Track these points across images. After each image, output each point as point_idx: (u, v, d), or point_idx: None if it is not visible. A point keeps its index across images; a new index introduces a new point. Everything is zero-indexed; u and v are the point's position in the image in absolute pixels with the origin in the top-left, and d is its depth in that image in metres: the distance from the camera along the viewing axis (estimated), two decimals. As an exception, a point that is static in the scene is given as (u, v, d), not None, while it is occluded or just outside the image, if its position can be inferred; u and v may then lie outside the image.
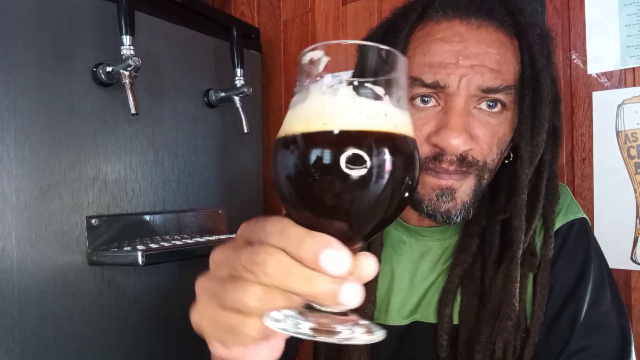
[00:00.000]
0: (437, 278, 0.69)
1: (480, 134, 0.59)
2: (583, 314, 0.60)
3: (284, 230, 0.29)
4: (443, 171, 0.59)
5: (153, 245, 0.92)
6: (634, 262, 1.00)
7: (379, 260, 0.69)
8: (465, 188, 0.60)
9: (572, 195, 0.70)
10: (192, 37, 1.14)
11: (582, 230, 0.66)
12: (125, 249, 0.89)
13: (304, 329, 0.29)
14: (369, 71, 0.30)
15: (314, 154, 0.28)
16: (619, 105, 1.01)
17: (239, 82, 1.17)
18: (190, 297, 0.35)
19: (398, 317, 0.69)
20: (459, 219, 0.61)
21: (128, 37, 0.88)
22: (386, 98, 0.30)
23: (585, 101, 1.05)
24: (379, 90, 0.30)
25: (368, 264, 0.31)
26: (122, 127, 0.96)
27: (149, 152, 1.02)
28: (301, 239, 0.29)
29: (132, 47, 0.88)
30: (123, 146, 0.97)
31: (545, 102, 0.60)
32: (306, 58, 0.31)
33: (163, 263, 0.95)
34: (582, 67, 1.05)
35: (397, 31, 0.62)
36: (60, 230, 0.84)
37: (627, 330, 0.60)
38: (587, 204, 1.04)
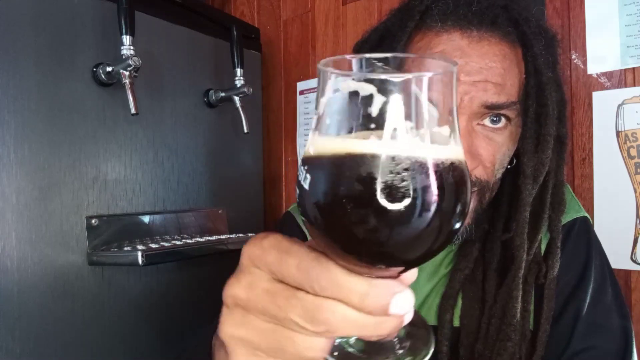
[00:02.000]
0: (438, 282, 0.68)
1: (483, 153, 0.57)
2: (584, 315, 0.60)
3: (339, 284, 0.26)
4: None
5: (153, 245, 0.92)
6: (634, 262, 1.00)
7: None
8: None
9: (573, 194, 0.70)
10: (192, 37, 1.14)
11: (583, 229, 0.66)
12: (125, 249, 0.89)
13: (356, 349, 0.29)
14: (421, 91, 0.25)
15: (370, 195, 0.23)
16: (619, 105, 1.01)
17: (239, 82, 1.17)
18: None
19: None
20: (460, 240, 0.61)
21: (128, 37, 0.88)
22: (438, 121, 0.25)
23: (585, 101, 1.05)
24: (433, 112, 0.25)
25: (412, 276, 0.30)
26: (122, 127, 0.96)
27: (149, 152, 1.02)
28: (365, 293, 0.26)
29: (132, 47, 0.88)
30: (123, 146, 0.97)
31: (551, 119, 0.57)
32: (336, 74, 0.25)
33: (163, 263, 0.95)
34: (582, 67, 1.05)
35: (394, 41, 0.59)
36: (60, 230, 0.84)
37: (629, 331, 0.60)
38: (587, 204, 1.04)
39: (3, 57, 0.78)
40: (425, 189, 0.24)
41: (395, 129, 0.24)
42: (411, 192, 0.23)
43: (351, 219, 0.24)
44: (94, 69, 0.90)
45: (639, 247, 0.99)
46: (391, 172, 0.23)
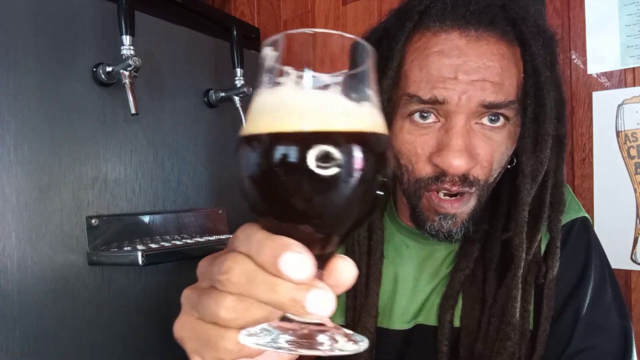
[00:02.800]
0: (439, 282, 0.68)
1: (481, 152, 0.56)
2: (584, 315, 0.60)
3: (249, 236, 0.28)
4: (445, 190, 0.58)
5: (153, 245, 0.92)
6: (634, 262, 1.00)
7: (381, 264, 0.68)
8: (465, 209, 0.59)
9: (573, 194, 0.70)
10: (192, 37, 1.14)
11: (583, 229, 0.66)
12: (125, 249, 0.89)
13: (282, 342, 0.27)
14: (335, 64, 0.28)
15: (280, 154, 0.26)
16: (619, 105, 1.01)
17: (239, 82, 1.17)
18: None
19: (401, 321, 0.69)
20: (459, 236, 0.61)
21: (128, 37, 0.88)
22: (354, 94, 0.28)
23: (585, 101, 1.05)
24: (345, 84, 0.28)
25: (345, 268, 0.29)
26: (122, 127, 0.96)
27: (149, 152, 1.02)
28: (261, 243, 0.27)
29: (132, 47, 0.88)
30: (123, 146, 0.97)
31: (549, 118, 0.57)
32: (267, 51, 0.28)
33: (163, 263, 0.95)
34: (582, 67, 1.05)
35: (392, 41, 0.59)
36: (60, 230, 0.84)
37: (628, 331, 0.60)
38: (587, 204, 1.04)
39: (3, 57, 0.78)
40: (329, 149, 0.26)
41: (308, 100, 0.27)
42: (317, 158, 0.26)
43: (267, 182, 0.27)
44: (94, 69, 0.90)
45: (639, 247, 0.99)
46: (297, 139, 0.26)
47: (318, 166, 0.25)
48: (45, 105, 0.83)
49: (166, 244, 0.94)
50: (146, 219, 1.01)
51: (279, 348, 0.26)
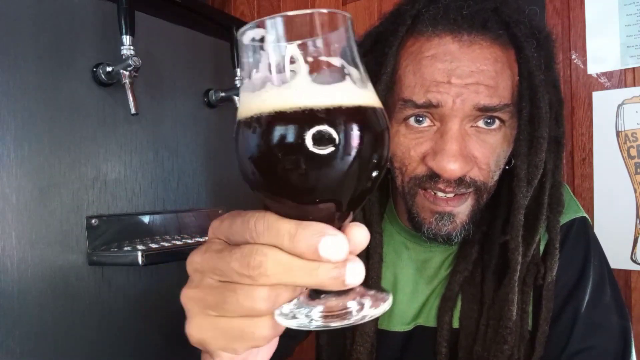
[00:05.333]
0: (438, 285, 0.68)
1: (478, 155, 0.56)
2: (583, 315, 0.60)
3: (272, 227, 0.28)
4: (440, 191, 0.58)
5: (153, 245, 0.92)
6: (634, 262, 1.00)
7: (379, 268, 0.68)
8: (463, 209, 0.59)
9: (571, 194, 0.70)
10: (192, 37, 1.14)
11: (581, 230, 0.66)
12: (125, 249, 0.89)
13: (316, 318, 0.28)
14: (316, 42, 0.28)
15: (279, 138, 0.26)
16: (619, 105, 1.01)
17: (239, 82, 1.17)
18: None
19: (401, 323, 0.69)
20: (459, 239, 0.60)
21: (128, 37, 0.88)
22: (342, 69, 0.28)
23: (585, 101, 1.05)
24: (332, 62, 0.28)
25: (360, 234, 0.30)
26: (122, 127, 0.96)
27: (149, 152, 1.02)
28: (293, 233, 0.27)
29: (132, 47, 0.88)
30: (123, 146, 0.97)
31: (544, 121, 0.57)
32: (247, 37, 0.28)
33: (163, 263, 0.95)
34: (582, 67, 1.05)
35: (386, 46, 0.59)
36: (60, 230, 0.84)
37: (628, 331, 0.60)
38: (587, 204, 1.04)
39: (3, 57, 0.78)
40: (325, 123, 0.27)
41: (299, 79, 0.27)
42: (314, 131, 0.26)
43: (271, 162, 0.27)
44: (94, 69, 0.90)
45: (639, 247, 0.99)
46: (294, 118, 0.26)
47: (316, 147, 0.26)
48: (45, 105, 0.83)
49: (166, 244, 0.94)
50: (146, 219, 1.01)
51: (316, 326, 0.27)
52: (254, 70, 0.29)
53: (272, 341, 0.35)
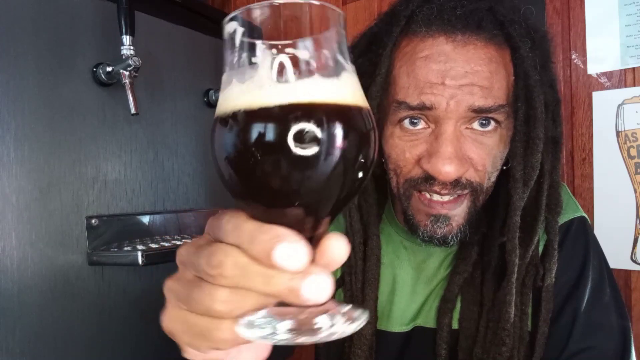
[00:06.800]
0: (437, 285, 0.68)
1: (474, 156, 0.56)
2: (582, 315, 0.60)
3: (237, 227, 0.27)
4: (436, 193, 0.57)
5: (153, 245, 0.92)
6: (634, 262, 1.00)
7: (377, 270, 0.67)
8: (459, 212, 0.58)
9: (570, 194, 0.70)
10: (192, 37, 1.14)
11: (580, 229, 0.65)
12: (125, 249, 0.89)
13: (281, 333, 0.26)
14: (301, 35, 0.26)
15: (260, 132, 0.25)
16: (619, 105, 1.01)
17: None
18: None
19: (400, 323, 0.68)
20: (455, 242, 0.60)
21: (128, 37, 0.88)
22: (326, 64, 0.27)
23: (585, 101, 1.05)
24: (316, 56, 0.26)
25: (337, 247, 0.28)
26: (122, 127, 0.96)
27: (149, 152, 1.02)
28: (252, 235, 0.26)
29: (132, 47, 0.88)
30: (123, 146, 0.97)
31: (540, 122, 0.56)
32: (230, 28, 0.27)
33: (163, 263, 0.95)
34: (582, 67, 1.05)
35: (380, 47, 0.58)
36: (60, 230, 0.84)
37: (627, 331, 0.60)
38: (587, 204, 1.04)
39: (3, 57, 0.78)
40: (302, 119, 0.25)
41: (280, 76, 0.26)
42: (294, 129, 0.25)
43: (242, 163, 0.26)
44: (94, 69, 0.90)
45: (639, 247, 0.99)
46: (272, 117, 0.25)
47: (298, 147, 0.25)
48: (45, 105, 0.83)
49: (166, 244, 0.94)
50: (146, 219, 1.01)
51: (280, 340, 0.25)
52: (226, 66, 0.28)
53: (258, 347, 0.34)
